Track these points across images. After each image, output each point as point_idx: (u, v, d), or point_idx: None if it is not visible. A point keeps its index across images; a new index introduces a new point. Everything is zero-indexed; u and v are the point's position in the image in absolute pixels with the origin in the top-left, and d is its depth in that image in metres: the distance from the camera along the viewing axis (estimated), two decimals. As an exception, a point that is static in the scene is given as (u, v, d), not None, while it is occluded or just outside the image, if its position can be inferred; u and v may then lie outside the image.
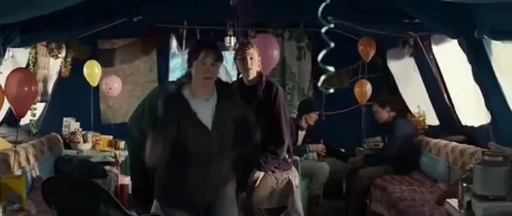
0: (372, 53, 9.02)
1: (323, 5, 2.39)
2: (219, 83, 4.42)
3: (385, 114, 8.18)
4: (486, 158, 4.68)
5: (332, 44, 2.33)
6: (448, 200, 5.12)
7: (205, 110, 4.26)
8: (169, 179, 4.33)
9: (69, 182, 4.69)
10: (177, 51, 9.59)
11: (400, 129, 8.01)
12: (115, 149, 8.69)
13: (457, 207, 4.86)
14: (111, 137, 8.91)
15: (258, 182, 5.40)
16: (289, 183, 5.53)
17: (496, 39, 5.63)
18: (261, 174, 5.40)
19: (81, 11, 5.70)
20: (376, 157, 8.33)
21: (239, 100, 4.64)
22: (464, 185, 4.80)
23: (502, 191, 4.54)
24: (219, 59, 4.28)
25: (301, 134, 8.38)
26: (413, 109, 9.14)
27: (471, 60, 6.21)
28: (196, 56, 4.26)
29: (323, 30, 2.37)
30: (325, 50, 2.32)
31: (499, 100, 6.07)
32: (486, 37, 5.72)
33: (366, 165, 8.22)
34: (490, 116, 6.43)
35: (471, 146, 6.96)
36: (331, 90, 2.69)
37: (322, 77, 2.39)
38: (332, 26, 2.43)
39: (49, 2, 4.59)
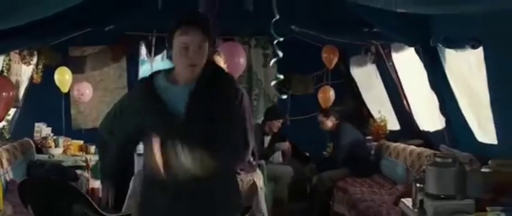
0: (335, 60, 9.31)
1: (273, 20, 2.69)
2: (209, 65, 3.53)
3: (329, 123, 8.54)
4: (437, 159, 5.01)
5: (280, 54, 2.62)
6: (402, 199, 5.46)
7: (180, 98, 3.42)
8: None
9: (44, 183, 4.92)
10: (146, 58, 9.80)
11: (345, 135, 8.36)
12: (86, 153, 8.89)
13: (410, 207, 5.19)
14: (82, 142, 9.11)
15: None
16: (253, 184, 5.83)
17: (450, 47, 5.97)
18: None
19: (55, 20, 5.90)
20: (328, 162, 8.63)
21: (233, 95, 3.71)
22: (418, 185, 5.12)
23: (452, 190, 4.87)
24: (207, 39, 3.34)
25: (267, 139, 8.66)
26: (375, 114, 9.49)
27: (427, 67, 6.57)
28: (175, 37, 3.35)
29: (275, 41, 2.66)
30: (275, 59, 2.61)
31: (452, 106, 6.41)
32: (440, 45, 6.08)
33: (320, 170, 8.53)
34: (444, 121, 6.79)
35: (427, 149, 7.30)
36: (284, 96, 2.99)
37: (273, 82, 2.69)
38: (281, 39, 2.73)
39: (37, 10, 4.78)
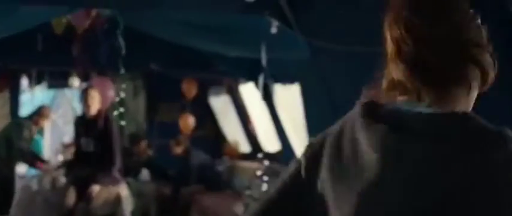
0: (194, 90, 10.61)
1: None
2: None
3: (178, 149, 9.86)
4: (263, 172, 6.53)
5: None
6: (237, 205, 6.94)
7: None
8: None
9: None
10: (27, 89, 10.84)
11: (193, 158, 9.72)
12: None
13: (242, 209, 6.67)
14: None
15: (94, 194, 6.95)
16: (118, 195, 7.11)
17: (277, 82, 7.50)
18: (97, 187, 6.94)
19: None
20: (186, 180, 9.93)
21: None
22: (248, 192, 6.61)
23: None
24: None
25: (133, 160, 9.86)
26: (229, 138, 10.96)
27: (262, 98, 8.09)
28: None
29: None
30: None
31: (281, 131, 7.95)
32: (270, 80, 7.60)
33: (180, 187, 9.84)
34: (280, 144, 8.33)
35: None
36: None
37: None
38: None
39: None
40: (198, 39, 6.45)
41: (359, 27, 3.70)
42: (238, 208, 6.91)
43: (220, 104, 11.14)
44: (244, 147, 10.58)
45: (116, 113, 10.87)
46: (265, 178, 6.46)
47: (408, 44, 1.49)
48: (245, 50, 6.05)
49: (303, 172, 1.59)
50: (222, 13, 5.01)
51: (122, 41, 6.25)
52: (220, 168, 10.01)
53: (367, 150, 1.46)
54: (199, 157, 9.78)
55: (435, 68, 1.47)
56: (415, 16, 1.49)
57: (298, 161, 1.62)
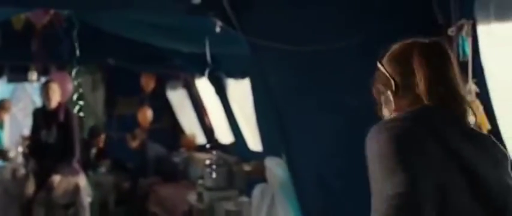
0: (152, 84, 10.93)
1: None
2: None
3: (134, 143, 10.18)
4: (212, 162, 6.87)
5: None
6: (191, 194, 7.28)
7: None
8: None
9: None
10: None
11: (149, 151, 10.05)
12: None
13: (195, 197, 7.03)
14: None
15: (55, 183, 7.24)
16: (77, 185, 7.40)
17: (230, 77, 7.86)
18: (58, 177, 7.24)
19: None
20: (143, 172, 10.24)
21: None
22: (200, 181, 6.95)
23: (222, 183, 6.74)
24: None
25: (93, 151, 10.14)
26: (187, 131, 11.29)
27: (216, 92, 8.43)
28: None
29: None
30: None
31: (234, 124, 8.31)
32: (223, 76, 7.96)
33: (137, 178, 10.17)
34: (232, 136, 8.69)
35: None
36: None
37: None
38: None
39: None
40: (150, 36, 6.79)
41: (293, 28, 4.06)
42: (192, 197, 7.26)
43: (177, 98, 11.46)
44: (201, 139, 10.90)
45: (75, 106, 11.18)
46: (214, 167, 6.80)
47: None
48: (193, 46, 6.42)
49: None
50: (170, 14, 5.34)
51: (76, 41, 6.53)
52: (177, 159, 10.36)
53: None
54: (155, 149, 10.10)
55: None
56: None
57: None
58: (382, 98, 2.33)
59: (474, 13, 3.57)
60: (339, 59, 3.93)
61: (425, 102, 2.21)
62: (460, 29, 3.63)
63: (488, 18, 3.54)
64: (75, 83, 9.75)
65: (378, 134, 2.13)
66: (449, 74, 2.25)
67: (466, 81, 3.50)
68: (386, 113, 2.31)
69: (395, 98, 2.27)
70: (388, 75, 2.28)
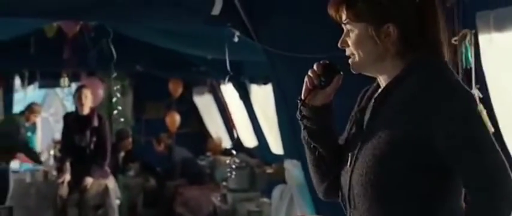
0: (180, 90, 11.22)
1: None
2: None
3: (160, 147, 10.45)
4: (236, 164, 7.13)
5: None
6: (215, 195, 7.54)
7: None
8: None
9: None
10: (20, 88, 11.42)
11: (175, 154, 10.31)
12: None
13: (219, 199, 7.28)
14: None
15: (88, 185, 7.56)
16: (106, 187, 7.71)
17: (253, 82, 8.12)
18: (90, 179, 7.55)
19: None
20: (171, 175, 10.51)
21: None
22: (224, 183, 7.21)
23: (245, 185, 6.99)
24: None
25: (121, 155, 10.43)
26: (213, 135, 11.58)
27: (240, 97, 8.70)
28: None
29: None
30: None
31: (258, 128, 8.56)
32: (247, 81, 8.22)
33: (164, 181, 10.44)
34: (256, 140, 8.94)
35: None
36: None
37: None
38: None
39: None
40: (174, 44, 7.10)
41: (306, 37, 4.30)
42: (216, 198, 7.54)
43: (203, 103, 11.75)
44: (226, 143, 11.17)
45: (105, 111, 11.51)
46: (237, 170, 7.07)
47: None
48: (216, 53, 6.71)
49: None
50: (189, 24, 5.60)
51: (112, 48, 6.83)
52: (203, 162, 10.63)
53: None
54: (181, 153, 10.38)
55: None
56: None
57: None
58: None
59: (476, 23, 3.77)
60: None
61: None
62: (463, 38, 3.83)
63: (488, 28, 3.74)
64: (106, 88, 10.19)
65: None
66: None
67: (470, 87, 3.72)
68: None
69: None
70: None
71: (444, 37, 2.14)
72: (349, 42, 2.14)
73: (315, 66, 2.19)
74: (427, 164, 2.00)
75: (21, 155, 9.26)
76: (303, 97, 2.20)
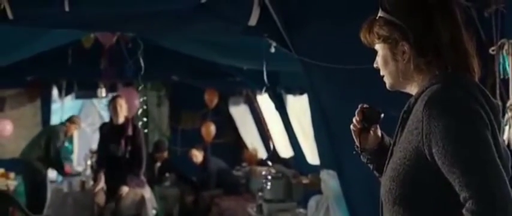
0: (216, 100, 11.26)
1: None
2: None
3: (200, 156, 10.47)
4: (272, 175, 7.12)
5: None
6: (251, 206, 7.53)
7: None
8: None
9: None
10: (57, 99, 11.57)
11: (211, 165, 10.32)
12: (6, 179, 10.46)
13: (254, 209, 7.28)
14: (2, 170, 10.69)
15: (124, 194, 7.60)
16: (142, 196, 7.76)
17: (289, 93, 8.13)
18: (126, 188, 7.60)
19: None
20: (206, 185, 10.52)
21: None
22: (260, 194, 7.21)
23: (281, 195, 6.97)
24: None
25: (157, 165, 10.50)
26: (248, 145, 11.58)
27: (276, 108, 8.70)
28: None
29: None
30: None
31: (293, 138, 8.56)
32: (283, 92, 8.23)
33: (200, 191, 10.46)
34: (292, 150, 8.93)
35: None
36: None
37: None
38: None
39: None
40: (210, 54, 7.14)
41: (342, 48, 4.29)
42: (252, 209, 7.53)
43: (239, 113, 11.76)
44: (262, 154, 11.17)
45: (141, 121, 11.61)
46: (273, 180, 7.06)
47: None
48: (252, 63, 6.74)
49: None
50: (226, 35, 5.63)
51: (142, 62, 6.89)
52: (239, 173, 10.64)
53: None
54: (217, 164, 10.40)
55: None
56: None
57: None
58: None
59: (514, 33, 3.73)
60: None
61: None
62: (501, 47, 3.80)
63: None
64: (141, 99, 10.27)
65: None
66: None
67: (507, 98, 3.68)
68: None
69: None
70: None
71: (470, 48, 2.15)
72: (379, 64, 2.26)
73: (356, 113, 2.37)
74: (431, 182, 2.03)
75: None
76: (357, 145, 2.41)
